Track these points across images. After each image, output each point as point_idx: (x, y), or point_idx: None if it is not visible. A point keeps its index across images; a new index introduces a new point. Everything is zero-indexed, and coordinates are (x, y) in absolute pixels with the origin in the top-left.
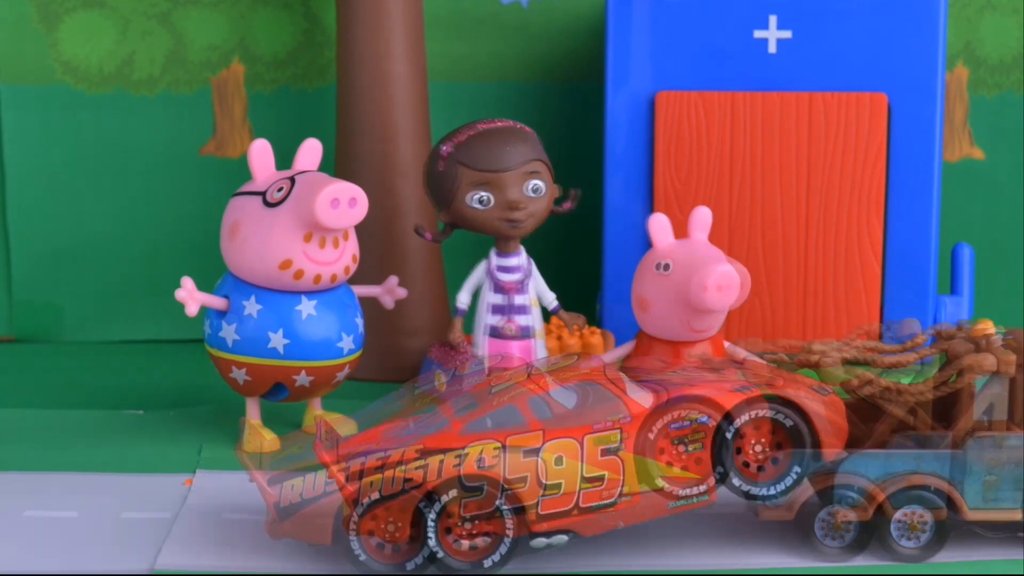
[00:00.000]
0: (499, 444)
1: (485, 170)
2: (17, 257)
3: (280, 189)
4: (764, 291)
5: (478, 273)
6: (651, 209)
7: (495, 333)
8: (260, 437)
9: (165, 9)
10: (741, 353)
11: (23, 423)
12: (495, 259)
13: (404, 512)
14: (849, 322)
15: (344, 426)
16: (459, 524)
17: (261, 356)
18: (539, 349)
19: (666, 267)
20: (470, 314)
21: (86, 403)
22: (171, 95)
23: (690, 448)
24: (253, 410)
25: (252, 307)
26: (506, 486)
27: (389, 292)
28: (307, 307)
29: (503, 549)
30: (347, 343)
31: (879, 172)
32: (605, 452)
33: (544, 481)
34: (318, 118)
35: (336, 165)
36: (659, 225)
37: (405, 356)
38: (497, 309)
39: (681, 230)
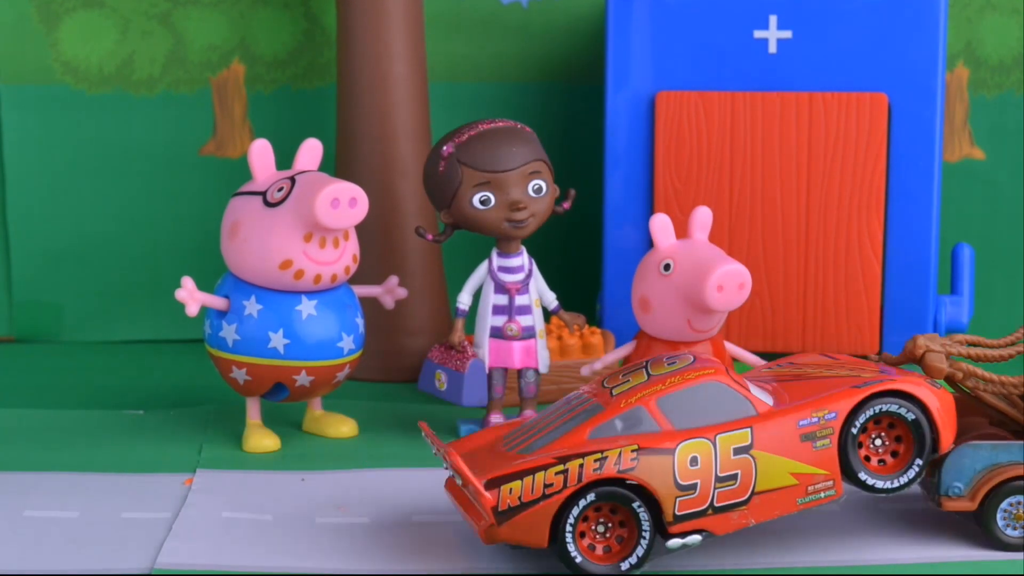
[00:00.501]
0: (636, 447)
1: (487, 170)
2: (17, 257)
3: (280, 189)
4: (764, 291)
5: (479, 274)
6: (651, 209)
7: (497, 334)
8: (260, 437)
9: (165, 9)
10: (741, 353)
11: (23, 423)
12: (497, 260)
13: (615, 513)
14: (849, 322)
15: (344, 426)
16: (593, 528)
17: (261, 356)
18: (541, 350)
19: (667, 267)
20: (471, 315)
21: (86, 403)
22: (171, 95)
23: (818, 444)
24: (253, 410)
25: (252, 307)
26: (645, 488)
27: (389, 292)
28: (307, 307)
29: (640, 551)
30: (347, 343)
31: (879, 172)
32: (737, 451)
33: (680, 482)
34: (318, 118)
35: (336, 165)
36: (661, 225)
37: (405, 356)
38: (499, 310)
39: (681, 230)
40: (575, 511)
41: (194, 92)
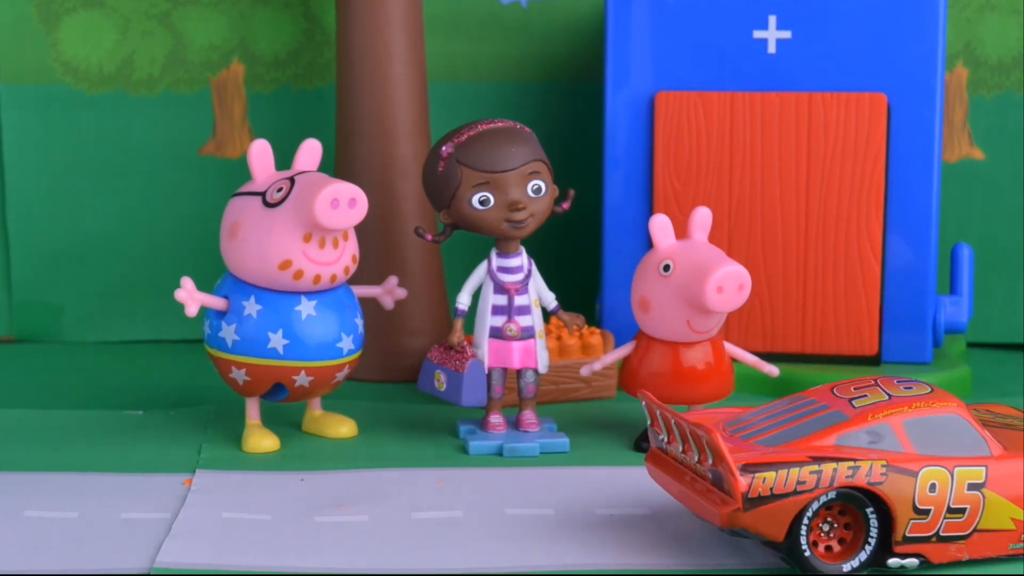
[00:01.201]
0: (885, 462)
1: (487, 171)
2: (17, 257)
3: (280, 189)
4: (764, 291)
5: (478, 274)
6: (651, 209)
7: (496, 334)
8: (259, 437)
9: (165, 9)
10: (741, 353)
11: (23, 423)
12: (496, 260)
13: (843, 514)
14: (849, 322)
15: (343, 426)
16: (819, 525)
17: (261, 356)
18: (540, 350)
19: (667, 268)
20: (470, 315)
21: (86, 403)
22: (171, 95)
23: None
24: (253, 410)
25: (252, 307)
26: (884, 502)
27: (389, 292)
28: (307, 307)
29: (863, 556)
30: (347, 343)
31: (879, 172)
32: (971, 487)
33: (918, 505)
34: (318, 118)
35: (336, 165)
36: (660, 226)
37: (405, 356)
38: (498, 310)
39: (681, 230)
40: (814, 507)
41: (194, 92)
